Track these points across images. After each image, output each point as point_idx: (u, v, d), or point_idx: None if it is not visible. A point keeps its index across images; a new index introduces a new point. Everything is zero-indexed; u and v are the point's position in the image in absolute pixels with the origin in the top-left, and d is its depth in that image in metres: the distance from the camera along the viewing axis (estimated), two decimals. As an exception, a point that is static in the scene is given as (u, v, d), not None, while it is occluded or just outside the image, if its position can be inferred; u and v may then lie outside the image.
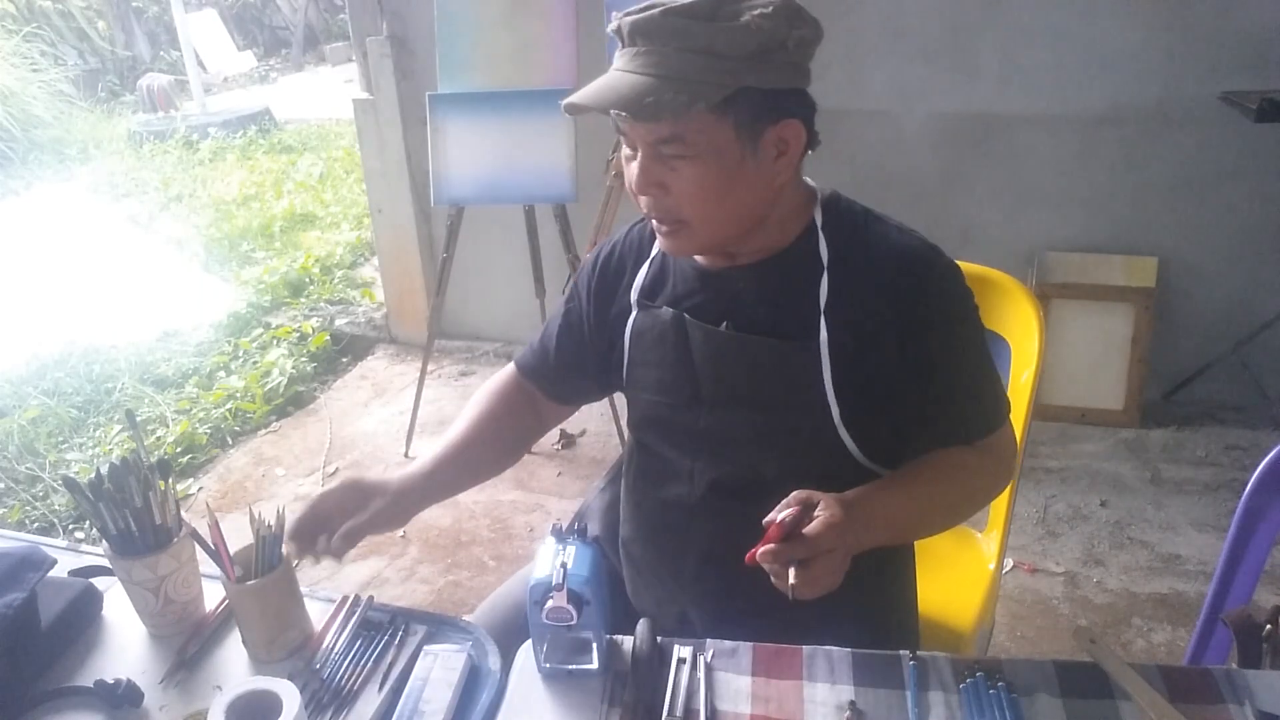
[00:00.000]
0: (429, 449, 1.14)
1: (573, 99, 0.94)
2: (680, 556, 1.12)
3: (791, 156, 0.98)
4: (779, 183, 0.99)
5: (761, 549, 0.86)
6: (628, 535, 1.19)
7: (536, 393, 1.23)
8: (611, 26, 0.96)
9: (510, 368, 1.25)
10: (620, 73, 0.94)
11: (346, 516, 1.00)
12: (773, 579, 0.86)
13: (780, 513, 0.87)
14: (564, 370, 1.21)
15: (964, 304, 1.03)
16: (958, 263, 1.04)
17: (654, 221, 1.01)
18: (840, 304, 1.00)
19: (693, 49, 0.89)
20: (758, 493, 1.07)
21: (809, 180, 1.07)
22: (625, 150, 1.00)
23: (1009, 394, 1.35)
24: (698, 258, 1.08)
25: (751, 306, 1.04)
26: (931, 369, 1.01)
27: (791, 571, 0.84)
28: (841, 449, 1.03)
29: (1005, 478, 1.10)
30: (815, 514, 0.88)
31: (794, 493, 0.90)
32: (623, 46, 0.95)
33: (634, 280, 1.12)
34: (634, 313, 1.12)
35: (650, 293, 1.12)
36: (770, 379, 1.03)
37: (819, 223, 1.03)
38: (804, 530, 0.85)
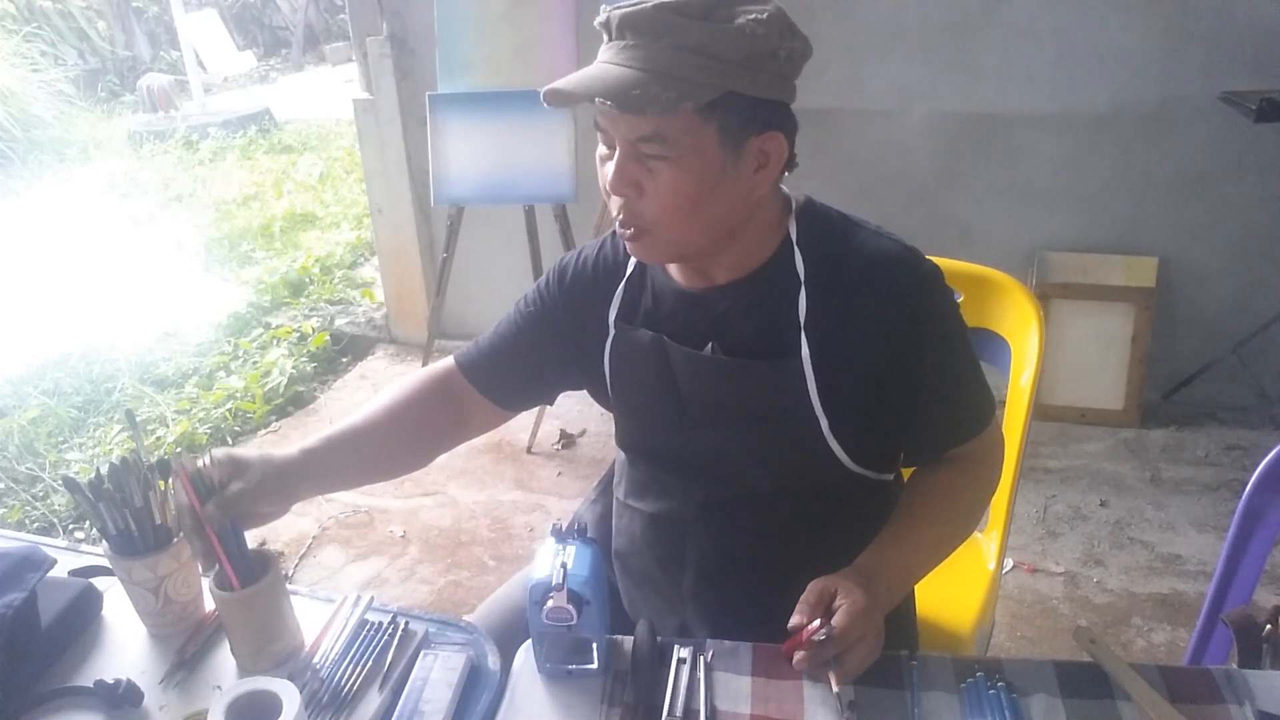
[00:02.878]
0: (321, 430, 1.06)
1: (556, 85, 0.91)
2: (677, 570, 1.11)
3: (771, 171, 0.96)
4: (756, 196, 0.97)
5: (796, 657, 0.88)
6: (622, 548, 1.18)
7: (473, 393, 1.14)
8: (599, 19, 0.93)
9: (445, 363, 1.17)
10: (606, 65, 0.91)
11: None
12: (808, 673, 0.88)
13: (799, 615, 0.88)
14: (514, 372, 1.15)
15: (947, 306, 1.03)
16: (937, 262, 1.03)
17: (618, 225, 0.98)
18: (820, 318, 0.98)
19: (684, 46, 0.87)
20: (751, 506, 1.07)
21: (784, 189, 1.05)
22: (601, 149, 0.97)
23: (1009, 394, 1.36)
24: (676, 278, 1.06)
25: (734, 327, 1.02)
26: (920, 374, 1.00)
27: (832, 677, 0.86)
28: (832, 459, 1.02)
29: (995, 481, 1.10)
30: (836, 604, 0.88)
31: (810, 585, 0.90)
32: (609, 39, 0.92)
33: (611, 299, 1.09)
34: (612, 334, 1.09)
35: (628, 313, 1.08)
36: (757, 398, 1.02)
37: (794, 236, 1.01)
38: (831, 627, 0.86)
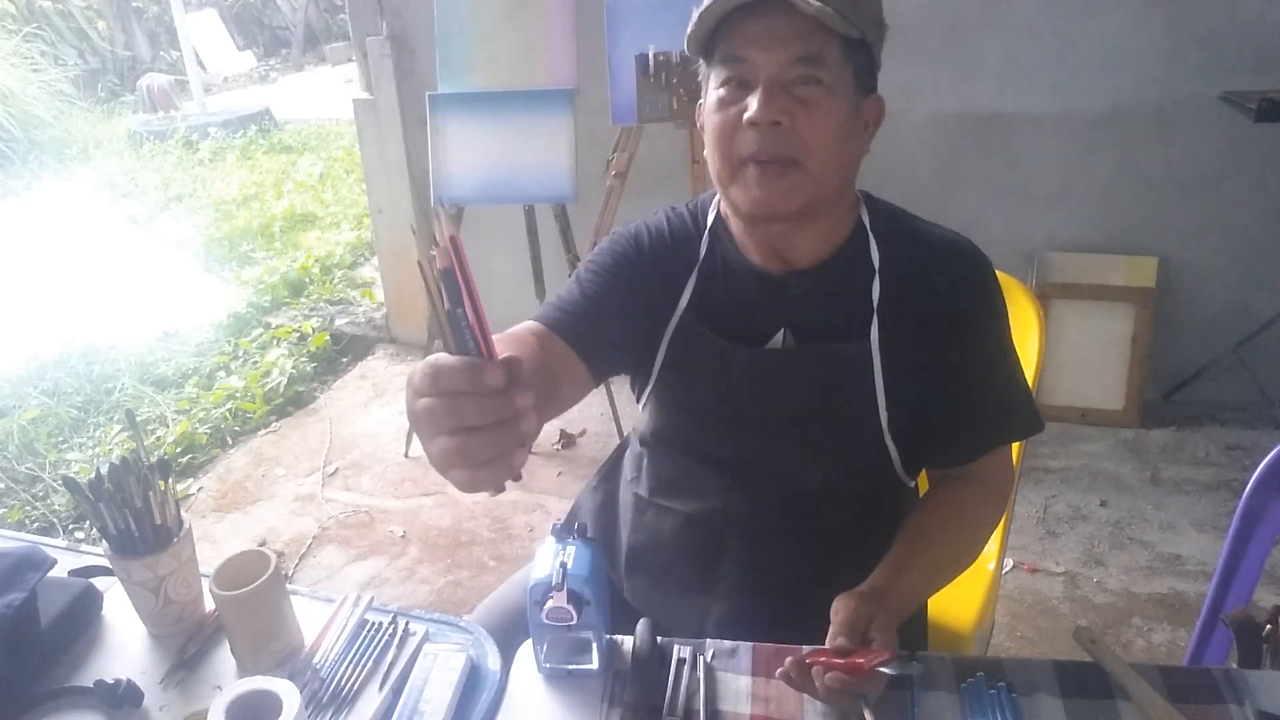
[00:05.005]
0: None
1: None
2: (713, 569, 1.09)
3: (871, 133, 1.00)
4: (862, 156, 1.00)
5: (829, 676, 0.81)
6: (642, 544, 1.15)
7: (569, 356, 0.99)
8: None
9: (530, 325, 1.01)
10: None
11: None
12: (818, 688, 0.83)
13: (844, 637, 0.84)
14: (607, 334, 1.03)
15: (1003, 301, 1.04)
16: None
17: (754, 166, 0.93)
18: (892, 302, 1.00)
19: None
20: (800, 506, 1.05)
21: None
22: (721, 93, 0.94)
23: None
24: (755, 259, 1.03)
25: (809, 312, 1.02)
26: (977, 362, 1.01)
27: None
28: (885, 460, 1.03)
29: (1003, 507, 1.08)
30: (873, 634, 0.84)
31: (841, 605, 0.86)
32: None
33: (684, 281, 1.05)
34: (675, 322, 1.05)
35: (699, 305, 1.05)
36: (822, 389, 1.02)
37: (867, 223, 1.03)
38: (906, 663, 0.83)
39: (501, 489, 0.66)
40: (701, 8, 0.93)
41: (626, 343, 1.06)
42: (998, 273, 1.10)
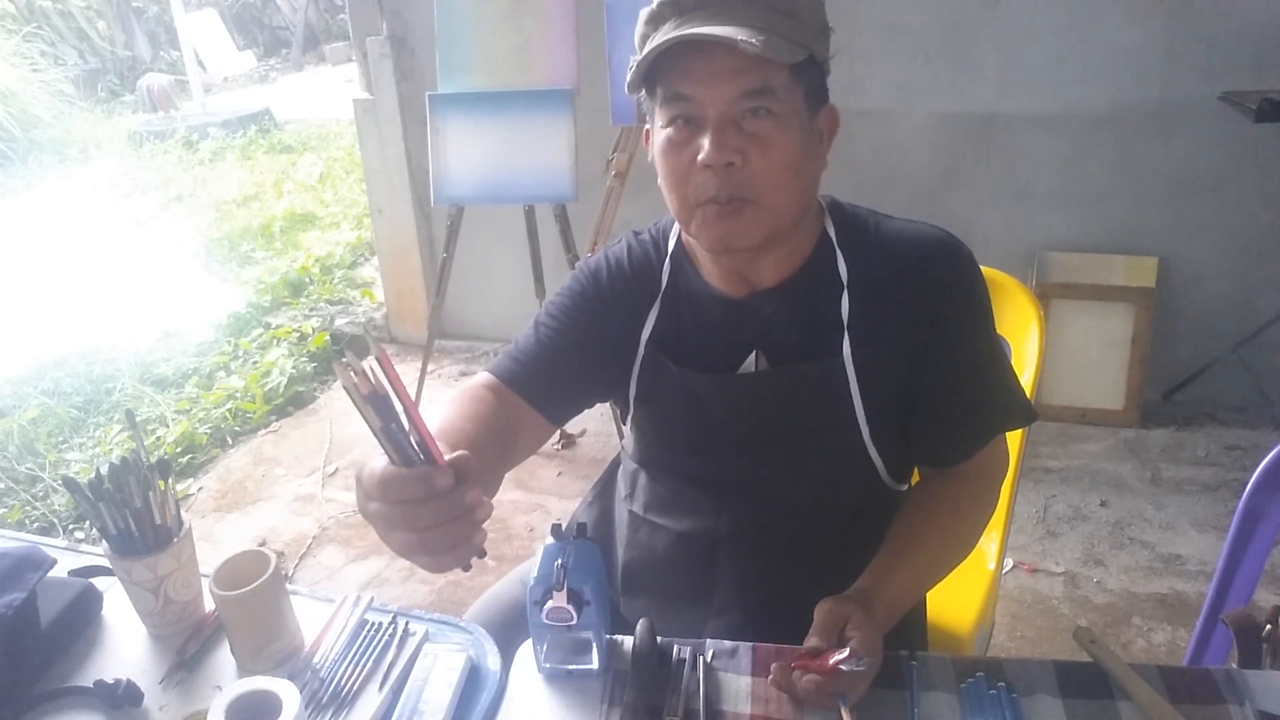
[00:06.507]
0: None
1: (684, 34, 0.86)
2: (705, 587, 1.09)
3: (827, 146, 0.97)
4: (820, 172, 0.97)
5: (806, 678, 0.83)
6: (636, 560, 1.15)
7: (522, 408, 1.01)
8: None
9: (483, 379, 1.02)
10: (701, 30, 0.86)
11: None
12: (799, 689, 0.85)
13: (819, 639, 0.85)
14: (562, 381, 1.04)
15: (985, 289, 1.01)
16: None
17: (706, 208, 0.92)
18: (863, 315, 0.97)
19: (777, 9, 0.89)
20: (790, 522, 1.05)
21: None
22: (670, 134, 0.92)
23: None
24: (719, 286, 1.02)
25: (780, 332, 1.00)
26: (964, 358, 0.99)
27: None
28: (870, 470, 1.02)
29: (996, 501, 1.07)
30: (849, 632, 0.85)
31: (820, 608, 0.88)
32: (681, 15, 0.90)
33: (645, 314, 1.05)
34: (641, 354, 1.05)
35: (662, 334, 1.04)
36: (800, 406, 1.00)
37: (833, 236, 1.00)
38: (862, 659, 0.83)
39: (468, 567, 0.70)
40: (640, 52, 0.91)
41: (588, 385, 1.07)
42: (991, 270, 1.10)
